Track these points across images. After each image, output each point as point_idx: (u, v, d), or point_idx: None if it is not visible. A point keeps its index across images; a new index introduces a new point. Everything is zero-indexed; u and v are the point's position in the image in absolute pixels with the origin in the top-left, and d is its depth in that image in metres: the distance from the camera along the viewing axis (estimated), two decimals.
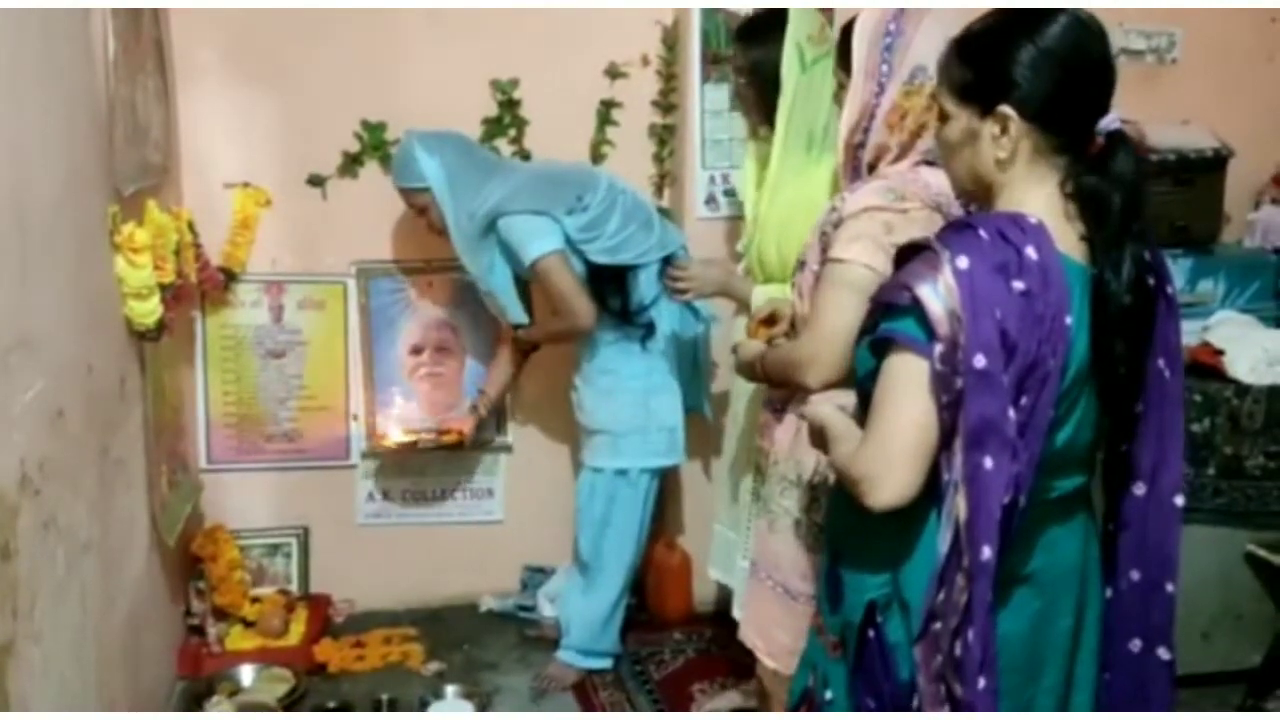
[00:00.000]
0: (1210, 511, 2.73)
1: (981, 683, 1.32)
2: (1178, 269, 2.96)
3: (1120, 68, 3.62)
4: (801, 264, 1.97)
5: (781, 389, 2.06)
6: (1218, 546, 2.74)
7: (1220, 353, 2.78)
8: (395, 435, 3.19)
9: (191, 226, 2.76)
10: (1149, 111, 3.08)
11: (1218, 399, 2.71)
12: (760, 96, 2.46)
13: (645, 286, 2.88)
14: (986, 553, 1.30)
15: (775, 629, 2.04)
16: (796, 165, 2.38)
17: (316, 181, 3.11)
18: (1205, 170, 3.02)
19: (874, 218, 1.79)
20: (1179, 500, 1.48)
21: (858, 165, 1.93)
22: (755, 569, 2.15)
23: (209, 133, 3.03)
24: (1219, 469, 2.73)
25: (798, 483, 2.00)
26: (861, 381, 1.43)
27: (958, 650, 1.32)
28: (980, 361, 1.29)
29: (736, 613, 2.56)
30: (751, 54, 2.48)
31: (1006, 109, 1.38)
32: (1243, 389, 2.71)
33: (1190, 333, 2.83)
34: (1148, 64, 3.30)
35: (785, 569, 2.02)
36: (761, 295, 2.41)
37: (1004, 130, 1.39)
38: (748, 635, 2.17)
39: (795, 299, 2.00)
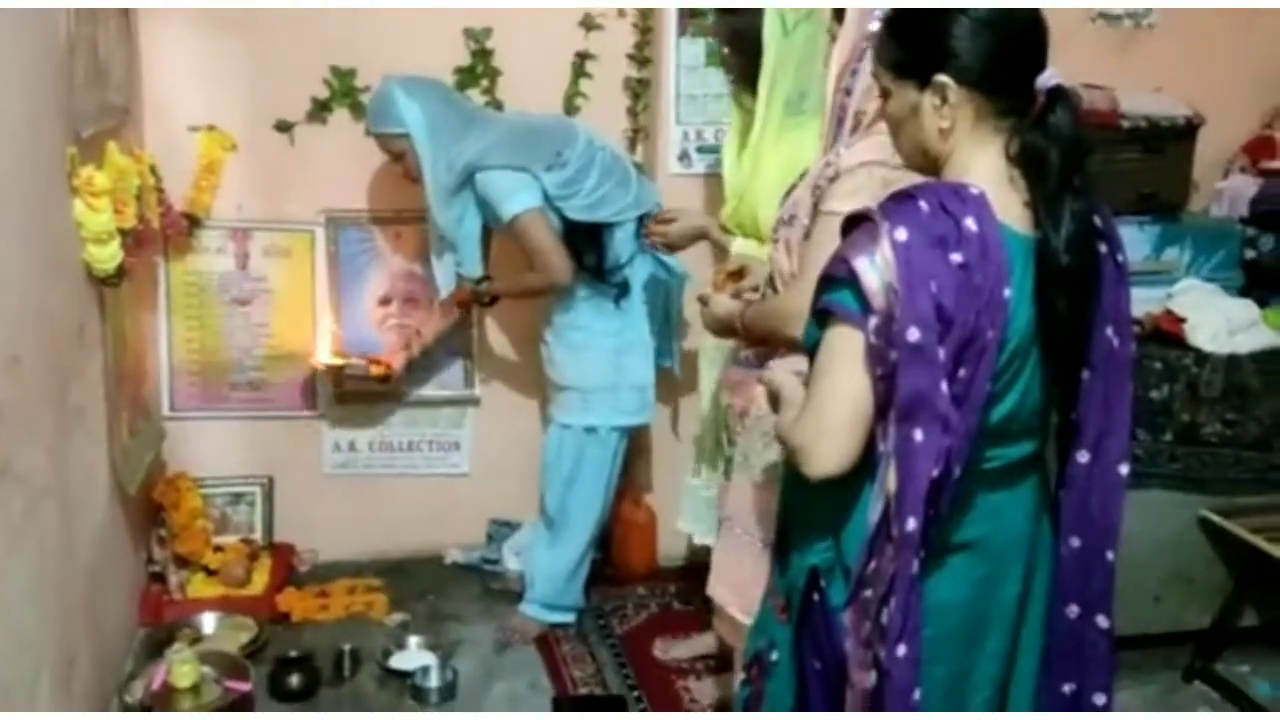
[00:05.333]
0: (1166, 477, 2.77)
1: (901, 650, 1.34)
2: (1144, 236, 2.97)
3: (1097, 32, 3.62)
4: (790, 218, 1.95)
5: (760, 345, 2.05)
6: (1172, 511, 2.79)
7: (1182, 321, 2.80)
8: (324, 358, 3.12)
9: (154, 170, 2.71)
10: (1123, 78, 3.08)
11: (1177, 367, 2.74)
12: (744, 63, 2.46)
13: (621, 244, 2.86)
14: (911, 524, 1.32)
15: (752, 584, 2.04)
16: (779, 129, 2.39)
17: (284, 127, 3.06)
18: (1176, 139, 3.02)
19: (872, 173, 1.79)
20: (1124, 469, 1.49)
21: (843, 114, 1.91)
22: (729, 524, 2.15)
23: (173, 74, 2.96)
24: (1176, 435, 2.77)
25: None
26: (810, 351, 1.44)
27: (884, 618, 1.35)
28: (914, 335, 1.30)
29: None
30: (733, 21, 2.48)
31: (943, 78, 1.38)
32: (1202, 357, 2.74)
33: (1154, 300, 2.86)
34: (1125, 29, 3.29)
35: (767, 523, 2.03)
36: (741, 247, 2.44)
37: (944, 100, 1.39)
38: (718, 591, 2.19)
39: (781, 254, 1.98)
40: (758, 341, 2.05)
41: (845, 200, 1.78)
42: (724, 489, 2.24)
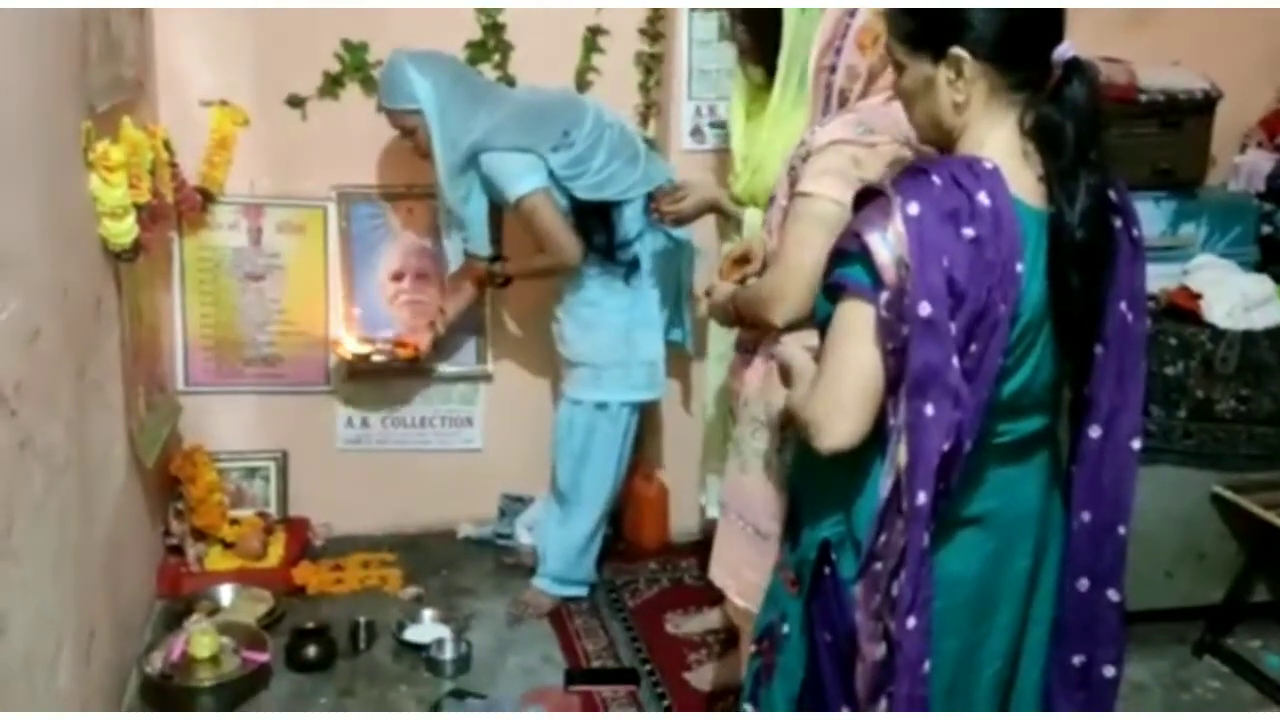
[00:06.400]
0: (1179, 453, 2.77)
1: (911, 622, 1.35)
2: (1160, 211, 2.96)
3: (1113, 7, 3.56)
4: (771, 200, 1.96)
5: (753, 330, 2.05)
6: (1185, 487, 2.78)
7: (1198, 296, 2.79)
8: (351, 346, 3.15)
9: (167, 145, 2.71)
10: (1140, 52, 3.05)
11: (1192, 342, 2.73)
12: (758, 41, 2.46)
13: (630, 222, 2.86)
14: (922, 498, 1.33)
15: (746, 568, 2.05)
16: (794, 103, 2.40)
17: (296, 102, 3.06)
18: (1193, 112, 2.99)
19: (841, 151, 1.78)
20: (1136, 444, 1.49)
21: (829, 92, 1.91)
22: (726, 509, 2.16)
23: (185, 48, 2.96)
24: (1190, 412, 2.76)
25: (768, 423, 2.01)
26: (820, 325, 1.44)
27: (894, 590, 1.36)
28: (925, 309, 1.30)
29: None
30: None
31: (959, 51, 1.37)
32: (1218, 333, 2.73)
33: (1170, 276, 2.85)
34: (1141, 3, 3.25)
35: (756, 509, 2.03)
36: (753, 217, 2.44)
37: (959, 73, 1.38)
38: (718, 575, 2.19)
39: (765, 235, 1.99)
40: (751, 325, 2.04)
41: (815, 180, 1.78)
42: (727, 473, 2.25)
